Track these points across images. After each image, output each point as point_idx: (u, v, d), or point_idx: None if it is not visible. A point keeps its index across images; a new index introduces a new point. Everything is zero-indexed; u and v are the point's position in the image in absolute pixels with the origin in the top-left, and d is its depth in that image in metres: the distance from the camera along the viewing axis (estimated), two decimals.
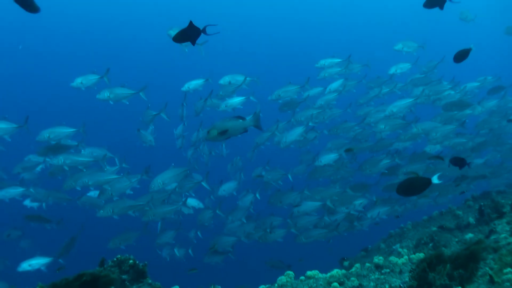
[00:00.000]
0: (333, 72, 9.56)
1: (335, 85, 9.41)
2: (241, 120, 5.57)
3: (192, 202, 9.37)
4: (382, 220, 9.12)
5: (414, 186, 4.95)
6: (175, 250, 9.59)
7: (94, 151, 8.17)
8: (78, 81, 7.80)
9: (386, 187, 9.23)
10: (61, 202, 8.93)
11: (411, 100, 8.93)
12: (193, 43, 5.69)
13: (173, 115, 9.21)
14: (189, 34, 5.60)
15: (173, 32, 6.87)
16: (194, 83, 8.96)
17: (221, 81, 8.99)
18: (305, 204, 8.57)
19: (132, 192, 7.81)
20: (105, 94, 7.83)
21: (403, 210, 9.58)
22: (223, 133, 5.48)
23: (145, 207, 7.74)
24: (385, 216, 9.03)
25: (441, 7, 7.22)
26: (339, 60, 9.62)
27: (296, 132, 8.85)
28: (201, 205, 9.42)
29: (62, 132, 7.73)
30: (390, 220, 9.42)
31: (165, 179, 7.56)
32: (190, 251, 9.71)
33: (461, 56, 7.44)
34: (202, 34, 5.63)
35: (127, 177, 7.62)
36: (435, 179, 4.75)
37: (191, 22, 5.58)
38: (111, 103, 8.06)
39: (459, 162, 7.17)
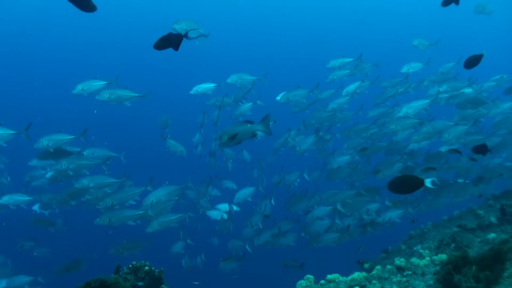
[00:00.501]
0: (342, 75, 9.44)
1: (352, 87, 9.30)
2: (249, 125, 5.62)
3: (224, 207, 9.48)
4: (397, 223, 9.02)
5: (407, 185, 4.78)
6: (186, 258, 9.64)
7: (95, 152, 7.98)
8: (79, 88, 7.48)
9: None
10: (65, 206, 8.75)
11: (427, 101, 8.79)
12: (176, 48, 5.62)
13: (183, 120, 9.18)
14: (171, 40, 5.56)
15: (177, 26, 6.81)
16: (203, 87, 8.94)
17: (229, 80, 8.95)
18: (317, 209, 8.56)
19: (134, 203, 7.67)
20: (105, 96, 7.48)
21: (418, 213, 9.44)
22: (233, 138, 5.51)
23: (150, 217, 7.54)
24: (399, 219, 8.92)
25: (457, 3, 7.14)
26: (351, 59, 9.47)
27: (308, 141, 8.94)
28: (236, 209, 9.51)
29: (61, 139, 7.50)
30: (406, 222, 9.32)
31: (158, 197, 7.44)
32: (202, 256, 9.76)
33: (472, 62, 7.25)
34: (184, 39, 5.61)
35: (129, 189, 7.54)
36: (428, 182, 4.61)
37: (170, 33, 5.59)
38: (113, 103, 7.71)
39: (481, 149, 7.03)
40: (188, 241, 9.38)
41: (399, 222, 8.92)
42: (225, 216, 9.26)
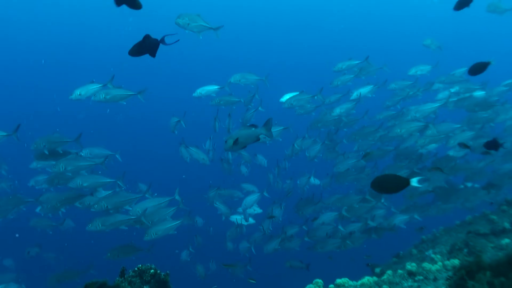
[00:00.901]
0: (346, 80, 9.32)
1: (364, 91, 9.20)
2: (253, 129, 5.74)
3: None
4: (402, 229, 8.99)
5: (390, 185, 4.53)
6: (197, 266, 9.87)
7: (92, 151, 8.02)
8: (77, 93, 7.37)
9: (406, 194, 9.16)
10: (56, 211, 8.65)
11: (436, 104, 8.69)
12: (153, 55, 5.61)
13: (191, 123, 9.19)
14: (147, 46, 5.55)
15: (181, 21, 6.74)
16: (207, 89, 8.86)
17: (232, 79, 8.85)
18: (323, 214, 8.67)
19: (130, 208, 7.55)
20: (100, 96, 7.37)
21: (426, 218, 9.37)
22: (236, 142, 5.61)
23: (143, 223, 7.46)
24: (404, 225, 8.84)
25: (467, 4, 7.05)
26: (358, 62, 9.35)
27: (317, 148, 9.16)
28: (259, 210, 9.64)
29: (56, 141, 7.51)
30: (417, 227, 9.26)
31: (144, 208, 7.39)
32: (213, 262, 9.96)
33: (477, 69, 7.06)
34: (161, 44, 5.61)
35: (126, 194, 7.48)
36: (414, 182, 4.32)
37: (147, 35, 5.55)
38: (110, 103, 7.66)
39: (493, 145, 6.90)
40: (190, 249, 9.54)
41: (404, 228, 8.91)
42: (242, 221, 9.43)
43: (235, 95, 8.92)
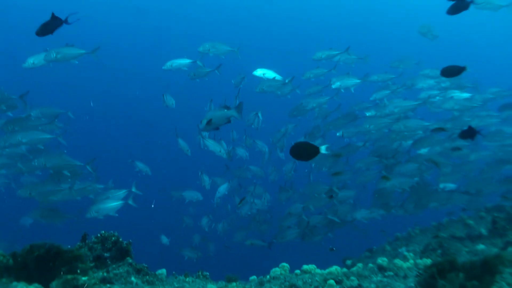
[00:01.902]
0: (319, 74, 9.26)
1: (347, 83, 9.06)
2: (225, 110, 6.07)
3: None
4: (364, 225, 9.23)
5: (303, 151, 4.86)
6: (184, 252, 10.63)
7: (43, 110, 7.87)
8: (30, 62, 7.17)
9: (377, 192, 9.30)
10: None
11: (415, 103, 8.62)
12: (51, 33, 6.10)
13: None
14: (51, 25, 6.02)
15: None
16: (178, 62, 8.72)
17: (201, 49, 8.64)
18: (292, 206, 8.94)
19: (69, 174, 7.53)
20: (51, 55, 7.06)
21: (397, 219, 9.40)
22: (209, 123, 5.98)
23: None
24: (365, 220, 8.98)
25: (466, 8, 6.86)
26: (337, 52, 9.18)
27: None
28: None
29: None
30: (393, 224, 9.23)
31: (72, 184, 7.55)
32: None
33: (450, 72, 6.92)
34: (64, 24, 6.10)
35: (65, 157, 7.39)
36: (323, 149, 4.69)
37: (53, 15, 6.06)
38: (61, 62, 7.36)
39: (469, 133, 6.82)
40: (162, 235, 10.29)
41: (366, 223, 9.12)
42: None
43: (208, 66, 8.82)
